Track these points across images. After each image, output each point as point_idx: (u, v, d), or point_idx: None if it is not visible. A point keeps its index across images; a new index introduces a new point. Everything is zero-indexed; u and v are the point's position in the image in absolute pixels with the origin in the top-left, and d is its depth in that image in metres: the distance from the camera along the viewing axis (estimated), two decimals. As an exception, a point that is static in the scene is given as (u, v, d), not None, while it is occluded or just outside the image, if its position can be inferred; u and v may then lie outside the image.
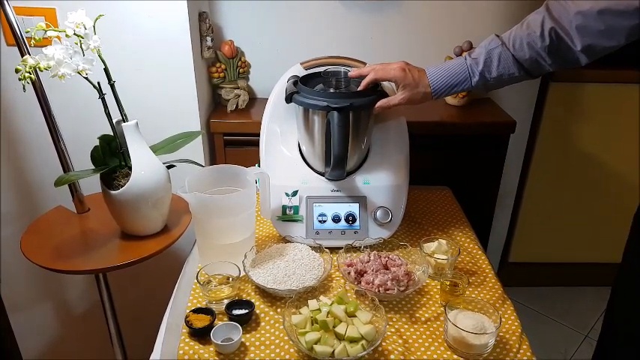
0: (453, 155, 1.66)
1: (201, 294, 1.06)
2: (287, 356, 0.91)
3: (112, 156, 1.19)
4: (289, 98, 1.14)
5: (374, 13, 1.67)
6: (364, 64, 1.25)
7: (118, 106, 1.14)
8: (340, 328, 0.89)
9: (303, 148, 1.23)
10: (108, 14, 1.11)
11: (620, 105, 1.87)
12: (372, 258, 1.10)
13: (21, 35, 1.14)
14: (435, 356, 0.92)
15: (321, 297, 0.99)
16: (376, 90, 1.14)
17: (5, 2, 1.12)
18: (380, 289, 1.01)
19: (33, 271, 1.57)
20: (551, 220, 2.12)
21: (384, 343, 0.93)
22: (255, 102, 1.74)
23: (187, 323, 0.96)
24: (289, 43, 1.70)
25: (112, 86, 1.12)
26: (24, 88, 0.98)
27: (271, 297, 1.05)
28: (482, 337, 0.89)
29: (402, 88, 1.08)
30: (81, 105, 1.41)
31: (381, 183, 1.20)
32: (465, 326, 0.90)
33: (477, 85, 1.07)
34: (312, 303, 0.96)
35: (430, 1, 1.65)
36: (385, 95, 1.13)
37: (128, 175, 1.14)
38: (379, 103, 1.10)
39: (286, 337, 0.93)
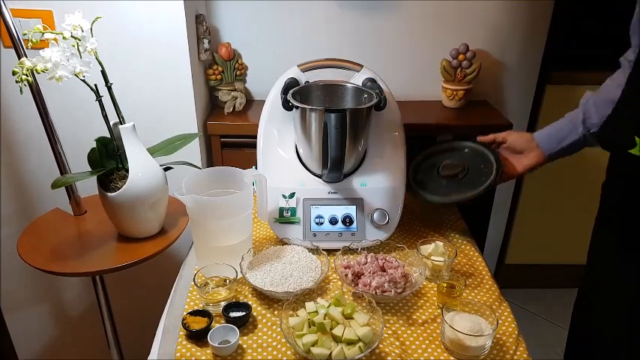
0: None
1: (198, 296, 1.06)
2: (284, 358, 0.91)
3: (109, 158, 1.18)
4: (286, 102, 1.14)
5: (371, 15, 1.67)
6: (361, 66, 1.26)
7: (115, 109, 1.14)
8: (337, 330, 0.90)
9: (301, 151, 1.23)
10: (105, 16, 1.11)
11: (616, 107, 1.88)
12: (369, 260, 1.10)
13: (18, 37, 1.13)
14: (431, 358, 0.92)
15: (319, 299, 0.99)
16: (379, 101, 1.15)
17: (2, 4, 1.12)
18: (377, 291, 1.01)
19: (29, 273, 1.56)
20: (547, 221, 2.13)
21: (381, 345, 0.93)
22: (252, 104, 1.74)
23: (184, 325, 0.96)
24: (286, 46, 1.70)
25: (109, 88, 1.12)
26: (21, 91, 0.98)
27: (268, 299, 1.05)
28: (479, 339, 0.89)
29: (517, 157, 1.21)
30: (78, 107, 1.41)
31: (378, 185, 1.21)
32: (461, 328, 0.90)
33: (584, 135, 1.13)
34: (310, 305, 0.96)
35: (427, 2, 1.66)
36: (384, 99, 1.15)
37: (125, 177, 1.14)
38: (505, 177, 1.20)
39: (283, 340, 0.93)
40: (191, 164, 1.28)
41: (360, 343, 0.88)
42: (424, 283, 1.10)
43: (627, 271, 1.00)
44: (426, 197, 1.22)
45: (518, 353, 0.93)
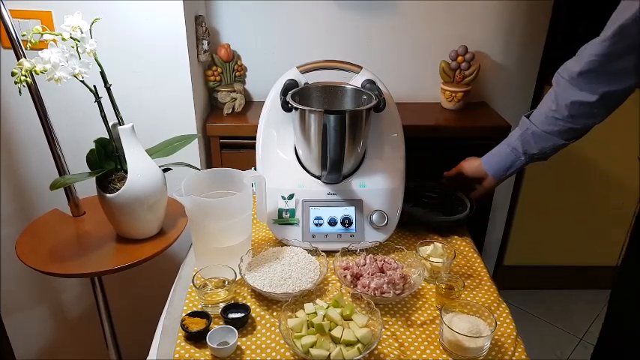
0: (449, 159, 1.66)
1: (197, 297, 1.06)
2: (283, 360, 0.91)
3: (107, 159, 1.19)
4: (285, 104, 1.14)
5: (370, 16, 1.67)
6: (360, 67, 1.26)
7: (114, 110, 1.14)
8: (336, 332, 0.90)
9: (300, 152, 1.23)
10: (104, 17, 1.11)
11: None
12: (368, 261, 1.10)
13: (17, 38, 1.13)
14: (430, 359, 0.92)
15: (317, 300, 0.99)
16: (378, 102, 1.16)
17: (1, 5, 1.12)
18: (376, 292, 1.01)
19: (28, 274, 1.56)
20: (546, 223, 2.13)
21: (379, 347, 0.93)
22: (251, 105, 1.75)
23: (183, 327, 0.96)
24: (285, 47, 1.71)
25: (108, 89, 1.12)
26: (20, 92, 0.98)
27: (267, 300, 1.05)
28: (477, 340, 0.90)
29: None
30: (77, 108, 1.41)
31: (377, 186, 1.21)
32: (460, 329, 0.90)
33: (527, 162, 1.19)
34: (309, 306, 0.96)
35: (426, 4, 1.66)
36: (383, 101, 1.15)
37: (124, 178, 1.14)
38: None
39: (282, 341, 0.93)
40: (190, 165, 1.28)
41: (359, 345, 0.88)
42: (423, 284, 1.10)
43: None
44: (431, 219, 1.30)
45: (516, 354, 0.93)
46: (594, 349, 1.23)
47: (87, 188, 1.29)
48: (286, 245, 1.19)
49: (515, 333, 0.98)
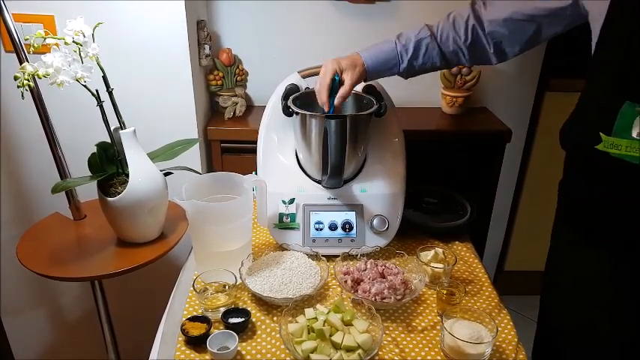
0: (449, 164, 1.67)
1: (197, 302, 1.06)
2: (283, 365, 0.91)
3: (109, 163, 1.19)
4: (286, 108, 1.15)
5: (371, 21, 1.68)
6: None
7: (116, 114, 1.15)
8: (337, 337, 0.89)
9: (301, 156, 1.23)
10: (106, 22, 1.11)
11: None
12: (368, 266, 1.10)
13: (19, 42, 1.14)
14: (431, 365, 0.92)
15: (318, 305, 0.99)
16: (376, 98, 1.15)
17: (4, 9, 1.12)
18: (376, 297, 1.01)
19: (28, 277, 1.56)
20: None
21: (380, 352, 0.93)
22: (252, 109, 1.75)
23: (183, 331, 0.95)
24: (286, 52, 1.71)
25: (110, 94, 1.12)
26: (22, 96, 0.98)
27: (268, 305, 1.05)
28: (478, 346, 0.89)
29: (345, 73, 1.12)
30: (79, 112, 1.41)
31: (377, 191, 1.21)
32: (461, 335, 0.90)
33: (402, 72, 1.15)
34: (309, 311, 0.96)
35: (427, 9, 1.66)
36: (381, 99, 1.16)
37: (125, 182, 1.14)
38: (339, 95, 1.10)
39: (282, 346, 0.93)
40: (191, 169, 1.28)
41: (360, 350, 0.88)
42: (424, 289, 1.10)
43: (589, 268, 0.98)
44: (432, 224, 1.30)
45: (517, 361, 0.93)
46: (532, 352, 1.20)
47: (88, 192, 1.29)
48: (287, 250, 1.19)
49: (516, 339, 0.98)
